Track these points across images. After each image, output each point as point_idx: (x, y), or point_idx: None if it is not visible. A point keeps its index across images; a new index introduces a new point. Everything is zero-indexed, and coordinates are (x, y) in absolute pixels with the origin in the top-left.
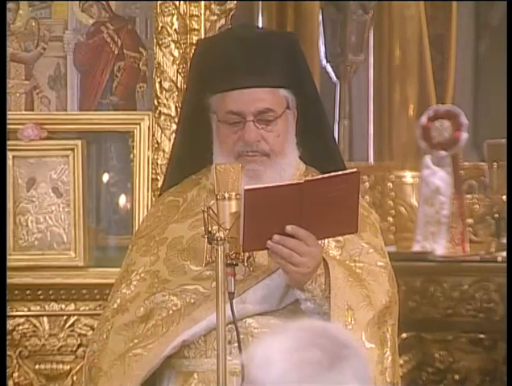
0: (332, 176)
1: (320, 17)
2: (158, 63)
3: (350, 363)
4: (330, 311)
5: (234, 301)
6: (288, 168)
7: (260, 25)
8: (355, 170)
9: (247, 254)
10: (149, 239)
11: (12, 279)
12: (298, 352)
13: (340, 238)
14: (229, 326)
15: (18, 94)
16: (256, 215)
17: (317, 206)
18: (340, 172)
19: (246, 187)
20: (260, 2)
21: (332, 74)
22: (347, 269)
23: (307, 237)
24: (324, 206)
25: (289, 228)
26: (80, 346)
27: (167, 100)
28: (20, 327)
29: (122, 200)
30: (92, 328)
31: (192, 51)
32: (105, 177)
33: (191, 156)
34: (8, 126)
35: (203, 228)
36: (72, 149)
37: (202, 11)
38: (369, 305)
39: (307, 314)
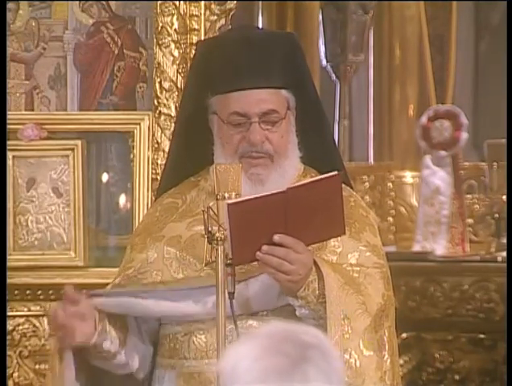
0: (313, 181)
1: (320, 17)
2: (158, 63)
3: (315, 362)
4: (326, 321)
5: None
6: (290, 169)
7: (260, 25)
8: (335, 172)
9: None
10: (145, 237)
11: (12, 279)
12: (262, 360)
13: (337, 241)
14: (230, 326)
15: (18, 94)
16: (242, 228)
17: (302, 212)
18: (320, 176)
19: (229, 201)
20: (260, 2)
21: (332, 74)
22: (343, 276)
23: (296, 244)
24: (309, 211)
25: (276, 237)
26: None
27: (167, 100)
28: (20, 327)
29: (122, 200)
30: None
31: (192, 51)
32: (105, 177)
33: (189, 157)
34: (8, 126)
35: (201, 227)
36: (72, 149)
37: (202, 11)
38: (365, 313)
39: (302, 319)
